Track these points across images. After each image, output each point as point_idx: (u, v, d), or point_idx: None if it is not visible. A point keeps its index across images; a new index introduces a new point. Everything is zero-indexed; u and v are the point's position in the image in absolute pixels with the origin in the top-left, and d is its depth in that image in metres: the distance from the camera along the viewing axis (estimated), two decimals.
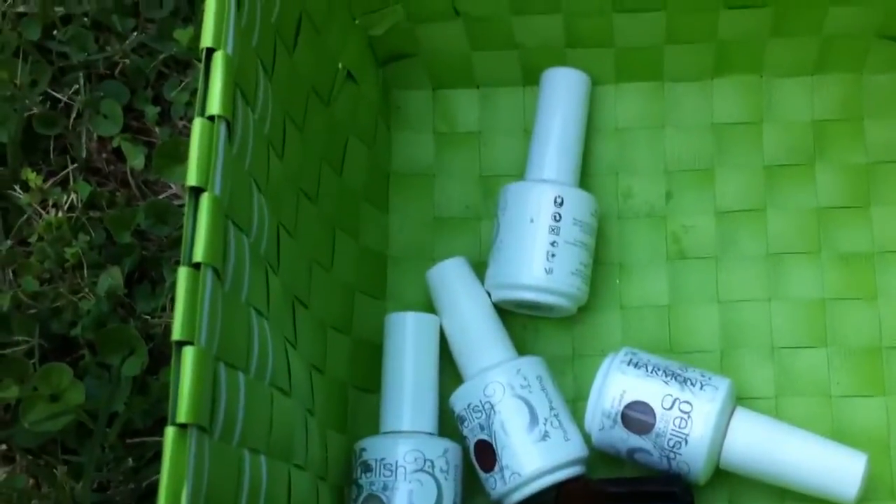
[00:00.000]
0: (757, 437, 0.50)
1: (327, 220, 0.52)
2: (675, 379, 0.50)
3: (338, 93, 0.53)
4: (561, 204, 0.53)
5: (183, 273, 0.34)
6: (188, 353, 0.33)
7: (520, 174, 0.57)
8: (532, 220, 0.53)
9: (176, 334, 0.33)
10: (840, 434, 0.53)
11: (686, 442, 0.49)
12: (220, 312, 0.35)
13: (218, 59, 0.37)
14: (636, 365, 0.51)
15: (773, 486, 0.50)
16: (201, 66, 0.37)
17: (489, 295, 0.55)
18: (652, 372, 0.50)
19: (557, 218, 0.53)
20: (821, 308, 0.55)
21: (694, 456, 0.49)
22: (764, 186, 0.57)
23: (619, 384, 0.50)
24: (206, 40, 0.37)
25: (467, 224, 0.58)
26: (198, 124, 0.36)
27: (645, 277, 0.56)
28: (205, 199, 0.35)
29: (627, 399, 0.50)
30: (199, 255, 0.34)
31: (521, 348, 0.55)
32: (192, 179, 0.35)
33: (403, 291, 0.57)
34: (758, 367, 0.54)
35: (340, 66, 0.53)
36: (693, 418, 0.49)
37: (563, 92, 0.57)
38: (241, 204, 0.39)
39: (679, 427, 0.49)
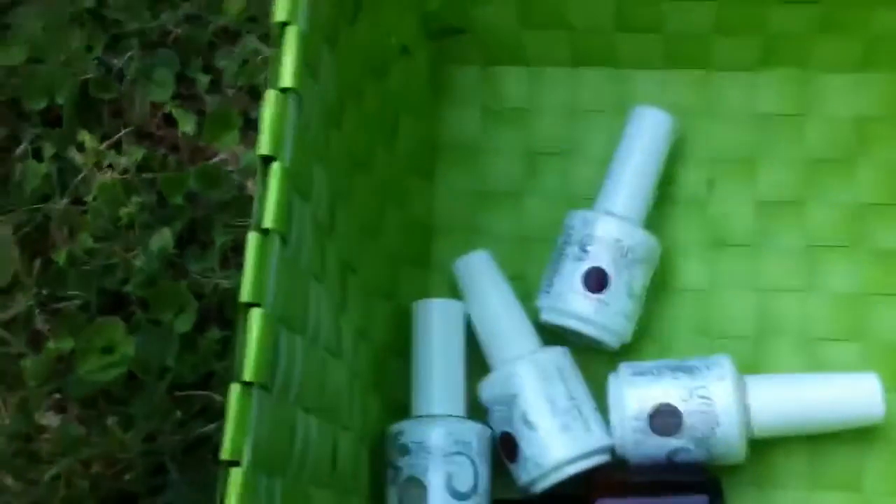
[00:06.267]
0: (777, 393, 0.51)
1: (376, 190, 0.53)
2: (681, 370, 0.51)
3: (392, 66, 0.54)
4: (624, 246, 0.54)
5: (252, 238, 0.35)
6: (255, 315, 0.35)
7: (564, 153, 0.59)
8: (590, 253, 0.54)
9: (244, 297, 0.35)
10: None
11: (718, 423, 0.50)
12: (283, 277, 0.37)
13: (291, 33, 0.38)
14: (641, 374, 0.52)
15: (797, 465, 0.53)
16: (279, 38, 0.38)
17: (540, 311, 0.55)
18: (659, 374, 0.52)
19: (624, 252, 0.54)
20: (856, 302, 0.56)
21: (729, 433, 0.50)
22: (804, 180, 0.58)
23: (635, 398, 0.51)
24: (281, 14, 0.38)
25: (510, 199, 0.60)
26: (271, 96, 0.37)
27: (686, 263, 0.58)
28: (275, 169, 0.36)
29: (649, 407, 0.51)
30: (268, 222, 0.36)
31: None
32: (264, 149, 0.36)
33: (447, 261, 0.58)
34: (791, 356, 0.56)
35: (394, 40, 0.54)
36: (714, 398, 0.50)
37: (647, 131, 0.56)
38: (304, 173, 0.40)
39: (705, 412, 0.50)
